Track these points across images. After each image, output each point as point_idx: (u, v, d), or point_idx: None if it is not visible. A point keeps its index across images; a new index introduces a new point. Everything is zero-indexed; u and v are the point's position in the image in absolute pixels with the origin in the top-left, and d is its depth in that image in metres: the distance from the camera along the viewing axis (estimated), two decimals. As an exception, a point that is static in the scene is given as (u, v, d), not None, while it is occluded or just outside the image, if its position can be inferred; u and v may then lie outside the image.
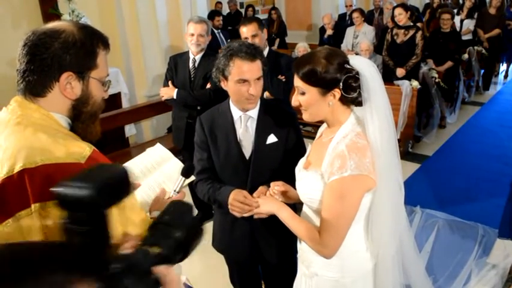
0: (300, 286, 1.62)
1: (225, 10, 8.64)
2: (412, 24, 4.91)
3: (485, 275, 2.75)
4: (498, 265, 2.81)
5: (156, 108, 4.44)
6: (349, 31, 6.18)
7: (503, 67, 8.05)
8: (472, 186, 3.94)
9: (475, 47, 6.40)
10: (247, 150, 1.83)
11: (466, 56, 6.01)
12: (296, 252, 1.68)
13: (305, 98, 1.40)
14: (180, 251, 0.73)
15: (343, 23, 7.16)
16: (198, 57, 3.14)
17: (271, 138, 1.81)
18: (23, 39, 1.06)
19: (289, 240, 1.74)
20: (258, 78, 1.73)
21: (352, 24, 6.40)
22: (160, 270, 0.64)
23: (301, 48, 5.65)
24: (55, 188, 0.60)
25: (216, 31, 6.03)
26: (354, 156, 1.32)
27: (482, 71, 6.83)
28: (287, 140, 1.83)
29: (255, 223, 1.79)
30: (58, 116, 1.08)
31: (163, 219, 0.74)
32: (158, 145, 1.56)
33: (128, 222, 1.03)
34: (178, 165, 1.48)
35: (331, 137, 1.43)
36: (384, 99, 1.40)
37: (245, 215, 1.65)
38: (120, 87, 4.65)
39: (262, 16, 8.85)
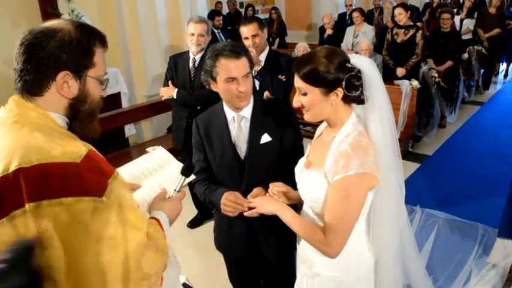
0: (302, 287, 1.61)
1: (225, 10, 8.64)
2: (412, 23, 4.91)
3: (485, 274, 2.75)
4: (498, 265, 2.80)
5: (155, 108, 4.44)
6: (349, 31, 6.18)
7: (503, 66, 8.05)
8: (472, 185, 3.94)
9: (475, 47, 6.40)
10: (241, 150, 1.83)
11: (466, 55, 6.01)
12: (294, 250, 1.68)
13: (307, 98, 1.38)
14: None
15: (343, 22, 7.16)
16: (198, 57, 3.14)
17: (265, 138, 1.80)
18: (20, 38, 1.05)
19: (288, 238, 1.74)
20: (246, 75, 1.73)
21: (352, 23, 6.40)
22: None
23: (301, 48, 5.65)
24: None
25: (216, 31, 6.03)
26: (358, 154, 1.32)
27: (482, 71, 6.83)
28: (282, 139, 1.82)
29: (253, 221, 1.78)
30: (55, 115, 1.08)
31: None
32: (160, 148, 1.55)
33: (126, 223, 1.03)
34: (179, 168, 1.48)
35: (332, 136, 1.43)
36: (385, 98, 1.40)
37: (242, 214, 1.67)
38: (120, 87, 4.64)
39: (262, 16, 8.85)
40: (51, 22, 1.09)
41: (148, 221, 1.17)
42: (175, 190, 1.37)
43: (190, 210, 3.50)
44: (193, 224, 3.58)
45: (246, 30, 2.89)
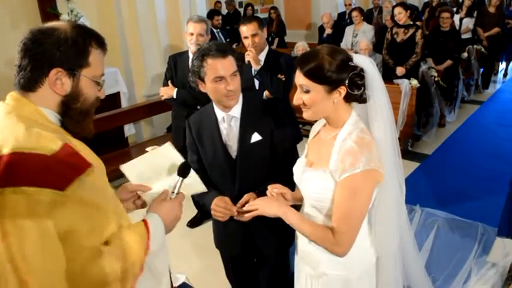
0: (306, 287, 1.60)
1: (224, 10, 8.64)
2: (411, 23, 4.91)
3: (485, 273, 2.75)
4: (498, 264, 2.80)
5: (155, 107, 4.43)
6: (349, 30, 6.18)
7: (502, 66, 8.04)
8: (471, 184, 3.94)
9: (475, 46, 6.40)
10: (233, 150, 1.84)
11: (465, 54, 6.01)
12: (290, 246, 1.67)
13: (310, 96, 1.37)
14: None
15: (342, 22, 7.17)
16: (197, 57, 3.13)
17: (255, 137, 1.80)
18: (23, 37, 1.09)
19: (283, 233, 1.74)
20: (234, 74, 1.73)
21: (351, 23, 6.40)
22: None
23: (301, 47, 5.65)
24: None
25: (215, 30, 6.04)
26: (364, 151, 1.32)
27: (482, 70, 6.82)
28: (272, 136, 1.82)
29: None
30: (47, 111, 1.10)
31: None
32: (168, 145, 1.44)
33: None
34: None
35: (333, 134, 1.43)
36: (385, 97, 1.41)
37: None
38: (120, 87, 4.64)
39: (261, 15, 8.86)
40: (52, 23, 1.12)
41: (127, 225, 1.16)
42: (173, 193, 1.34)
43: (190, 210, 3.50)
44: (193, 223, 3.58)
45: (245, 30, 2.89)
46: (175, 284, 2.24)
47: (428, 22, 6.84)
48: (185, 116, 3.21)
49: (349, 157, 1.32)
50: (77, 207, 1.00)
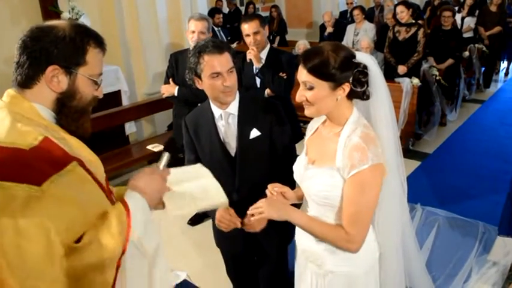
0: (311, 286, 1.59)
1: (225, 8, 8.64)
2: (413, 21, 4.90)
3: (486, 272, 2.75)
4: (499, 262, 2.80)
5: (156, 105, 4.44)
6: (350, 28, 6.17)
7: (504, 65, 8.03)
8: (472, 183, 3.93)
9: (476, 45, 6.39)
10: (231, 147, 1.84)
11: (466, 53, 6.00)
12: (289, 243, 1.67)
13: (313, 92, 1.36)
14: None
15: (343, 20, 7.16)
16: (198, 55, 3.13)
17: (254, 133, 1.80)
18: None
19: (284, 230, 1.74)
20: (230, 70, 1.73)
21: (352, 21, 6.39)
22: None
23: (302, 46, 5.65)
24: None
25: (216, 29, 6.03)
26: (370, 146, 1.33)
27: (483, 69, 6.81)
28: (271, 132, 1.82)
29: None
30: (40, 107, 1.10)
31: None
32: (199, 166, 1.48)
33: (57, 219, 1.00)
34: (214, 184, 1.43)
35: (337, 131, 1.42)
36: (387, 94, 1.41)
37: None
38: (120, 85, 4.63)
39: (263, 13, 8.84)
40: (52, 21, 1.13)
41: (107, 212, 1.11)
42: (158, 167, 1.29)
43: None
44: (194, 221, 3.58)
45: (247, 28, 2.89)
46: (177, 282, 2.24)
47: (429, 21, 6.84)
48: (187, 113, 3.20)
49: (357, 153, 1.32)
50: (52, 203, 0.99)
